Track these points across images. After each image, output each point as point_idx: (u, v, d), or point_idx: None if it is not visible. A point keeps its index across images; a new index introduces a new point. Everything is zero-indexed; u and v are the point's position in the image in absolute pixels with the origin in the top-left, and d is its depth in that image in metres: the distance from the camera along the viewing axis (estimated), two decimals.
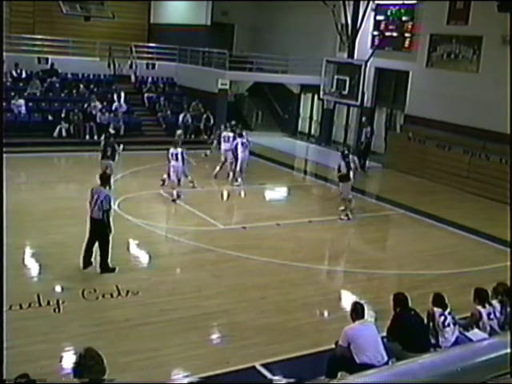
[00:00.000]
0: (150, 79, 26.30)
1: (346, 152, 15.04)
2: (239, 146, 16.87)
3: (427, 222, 15.13)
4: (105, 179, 10.53)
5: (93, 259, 10.32)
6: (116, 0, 26.36)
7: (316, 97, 26.12)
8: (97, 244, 10.29)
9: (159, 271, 10.76)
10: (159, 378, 7.41)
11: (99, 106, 22.33)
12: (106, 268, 10.25)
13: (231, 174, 17.23)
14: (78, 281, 9.90)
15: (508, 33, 17.21)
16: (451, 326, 7.44)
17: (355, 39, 22.35)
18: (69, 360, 7.29)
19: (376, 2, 22.62)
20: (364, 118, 22.99)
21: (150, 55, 27.21)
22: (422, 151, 20.47)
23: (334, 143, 25.08)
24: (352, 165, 14.79)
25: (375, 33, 23.12)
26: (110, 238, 10.15)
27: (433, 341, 7.37)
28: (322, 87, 22.73)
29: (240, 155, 16.83)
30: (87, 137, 21.41)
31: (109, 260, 10.25)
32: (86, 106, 22.39)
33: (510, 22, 16.03)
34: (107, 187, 10.58)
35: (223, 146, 17.50)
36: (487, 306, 7.79)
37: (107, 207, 10.08)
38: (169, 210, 14.69)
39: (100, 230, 10.12)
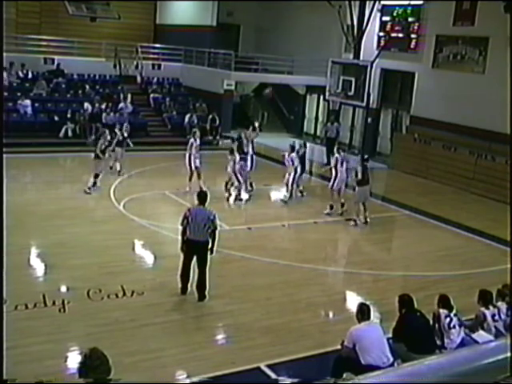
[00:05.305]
0: (155, 80, 26.36)
1: (366, 157, 15.17)
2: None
3: (432, 223, 15.10)
4: (204, 198, 9.67)
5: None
6: (122, 0, 26.43)
7: (321, 98, 26.11)
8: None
9: (164, 272, 10.75)
10: (164, 378, 7.41)
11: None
12: (204, 293, 9.60)
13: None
14: (83, 281, 9.90)
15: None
16: (457, 327, 7.42)
17: (361, 40, 22.30)
18: (74, 360, 7.29)
19: (382, 2, 22.59)
20: (332, 115, 23.29)
21: (155, 56, 27.30)
22: (428, 152, 20.43)
23: (339, 144, 24.99)
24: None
25: (381, 34, 23.09)
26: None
27: (438, 342, 7.35)
28: (327, 88, 22.68)
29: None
30: (93, 137, 21.42)
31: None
32: (87, 106, 22.43)
33: (509, 22, 15.98)
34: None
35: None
36: (491, 307, 7.77)
37: (215, 226, 9.45)
38: (174, 211, 14.68)
39: (204, 251, 9.49)
